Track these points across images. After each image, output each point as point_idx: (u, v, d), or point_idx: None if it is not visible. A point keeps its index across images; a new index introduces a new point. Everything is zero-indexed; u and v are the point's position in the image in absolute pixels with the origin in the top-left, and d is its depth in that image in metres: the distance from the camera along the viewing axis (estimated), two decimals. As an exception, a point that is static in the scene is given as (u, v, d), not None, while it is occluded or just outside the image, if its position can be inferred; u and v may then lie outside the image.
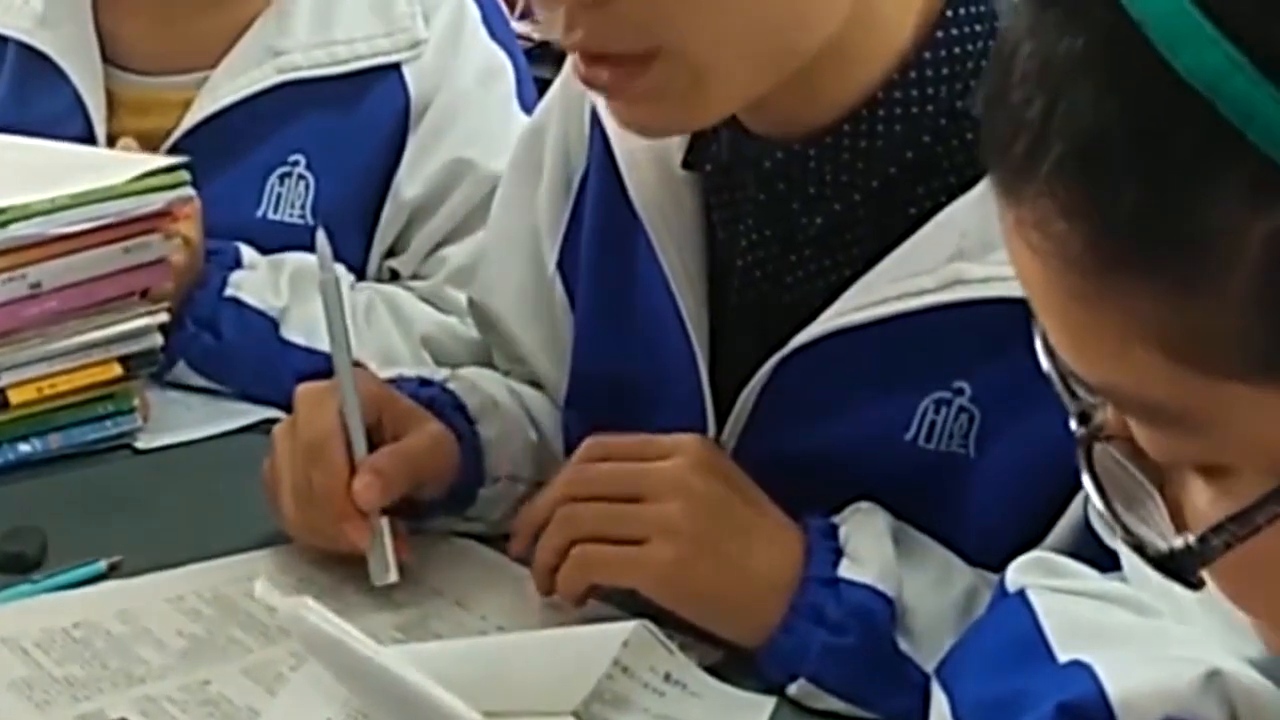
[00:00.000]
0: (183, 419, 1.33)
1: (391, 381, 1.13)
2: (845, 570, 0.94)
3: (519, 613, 1.03)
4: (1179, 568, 0.51)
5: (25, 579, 1.06)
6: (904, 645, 0.93)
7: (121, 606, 1.03)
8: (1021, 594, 0.85)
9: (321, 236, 1.08)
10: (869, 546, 0.95)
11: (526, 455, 1.14)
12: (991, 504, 0.97)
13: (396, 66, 1.48)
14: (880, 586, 0.94)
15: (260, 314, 1.39)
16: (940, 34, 0.98)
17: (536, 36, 2.64)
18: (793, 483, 0.99)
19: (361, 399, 1.05)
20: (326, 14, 1.49)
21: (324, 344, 1.12)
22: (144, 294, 1.30)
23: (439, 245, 1.48)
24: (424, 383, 1.14)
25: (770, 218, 1.03)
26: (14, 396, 1.24)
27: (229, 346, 1.38)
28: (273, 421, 1.10)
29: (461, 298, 1.35)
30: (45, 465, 1.25)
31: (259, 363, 1.37)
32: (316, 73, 1.48)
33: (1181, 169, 0.46)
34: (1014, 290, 0.54)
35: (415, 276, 1.49)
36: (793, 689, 0.94)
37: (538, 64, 1.70)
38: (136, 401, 1.30)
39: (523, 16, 2.99)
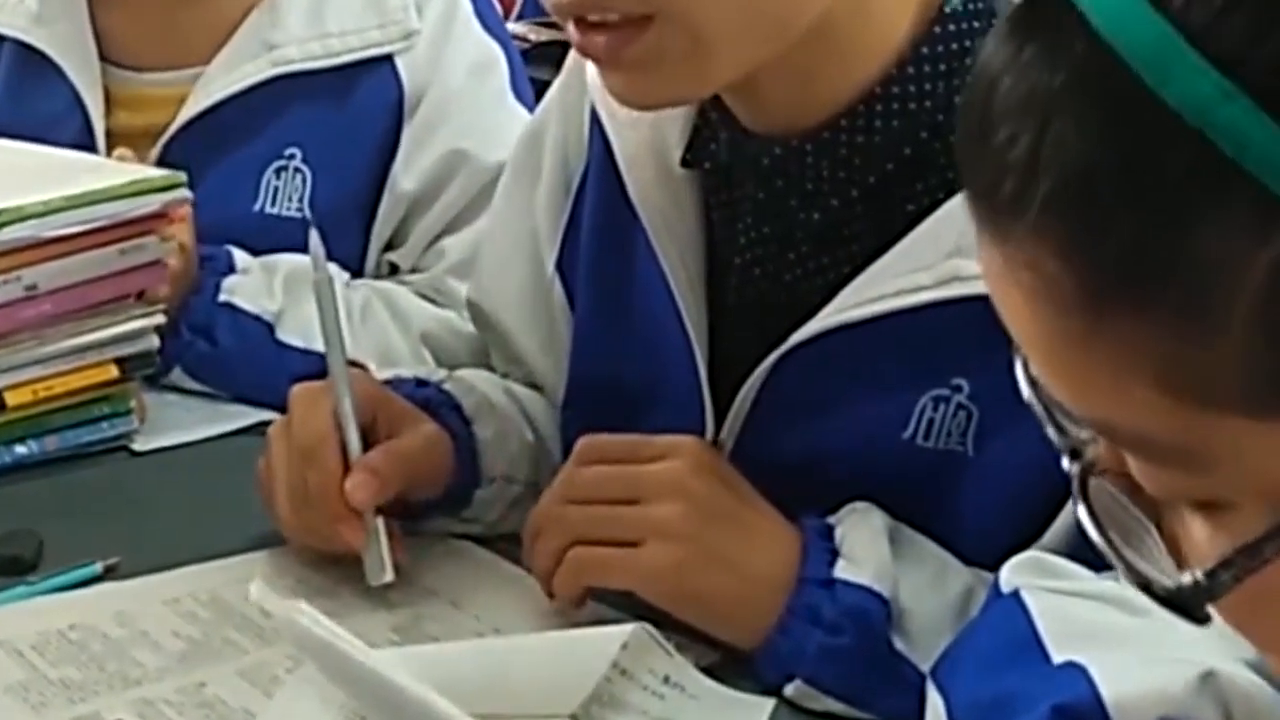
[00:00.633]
0: (179, 421, 1.33)
1: (388, 382, 1.13)
2: (841, 571, 0.94)
3: (514, 614, 1.03)
4: (1187, 604, 0.50)
5: (21, 581, 1.06)
6: (900, 645, 0.93)
7: (118, 609, 1.03)
8: (1016, 594, 0.85)
9: (314, 236, 1.08)
10: (865, 547, 0.95)
11: (523, 456, 1.14)
12: (988, 503, 0.97)
13: (389, 58, 1.48)
14: (876, 587, 0.93)
15: (255, 318, 1.39)
16: (938, 29, 0.98)
17: (533, 38, 2.65)
18: (791, 481, 0.99)
19: (356, 399, 1.05)
20: (319, 6, 1.49)
21: (321, 345, 1.12)
22: (140, 296, 1.29)
23: (438, 237, 1.48)
24: (420, 383, 1.14)
25: (768, 215, 1.03)
26: (10, 399, 1.24)
27: (225, 352, 1.38)
28: (270, 424, 1.10)
29: (462, 289, 1.34)
30: (41, 467, 1.25)
31: (256, 367, 1.37)
32: (310, 65, 1.48)
33: (1175, 200, 0.45)
34: None
35: (415, 269, 1.49)
36: (789, 690, 0.94)
37: (534, 65, 1.70)
38: (133, 403, 1.30)
39: (520, 17, 3.00)
